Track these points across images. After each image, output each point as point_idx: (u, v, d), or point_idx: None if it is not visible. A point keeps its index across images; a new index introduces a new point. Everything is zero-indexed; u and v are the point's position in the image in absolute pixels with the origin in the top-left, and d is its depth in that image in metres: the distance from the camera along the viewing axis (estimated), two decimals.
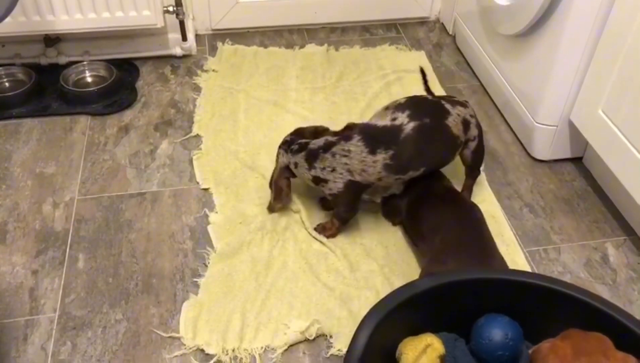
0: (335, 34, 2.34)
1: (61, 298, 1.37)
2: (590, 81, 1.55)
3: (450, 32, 2.35)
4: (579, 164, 1.78)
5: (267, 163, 1.71)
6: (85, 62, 2.02)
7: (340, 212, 1.51)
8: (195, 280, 1.41)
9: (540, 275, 1.16)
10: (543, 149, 1.74)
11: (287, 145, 1.51)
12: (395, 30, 2.38)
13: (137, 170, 1.71)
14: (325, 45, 2.24)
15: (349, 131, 1.47)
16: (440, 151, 1.46)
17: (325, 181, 1.44)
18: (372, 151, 1.39)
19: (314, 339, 1.30)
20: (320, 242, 1.51)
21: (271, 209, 1.58)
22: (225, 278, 1.42)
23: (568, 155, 1.77)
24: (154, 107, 1.94)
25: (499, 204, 1.63)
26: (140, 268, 1.44)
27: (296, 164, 1.49)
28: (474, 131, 1.51)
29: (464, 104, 1.52)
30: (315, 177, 1.46)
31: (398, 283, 1.39)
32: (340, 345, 1.28)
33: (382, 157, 1.39)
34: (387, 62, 2.16)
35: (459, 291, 1.14)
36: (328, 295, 1.39)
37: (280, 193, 1.54)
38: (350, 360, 1.02)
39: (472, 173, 1.60)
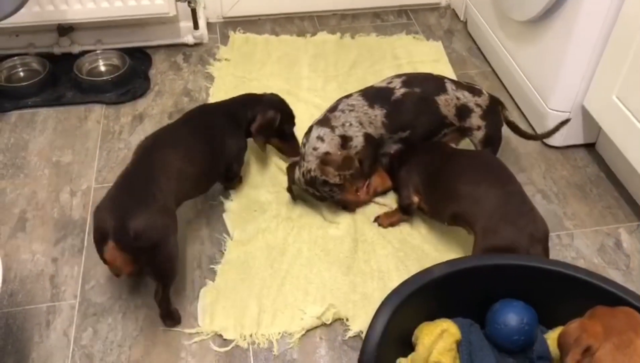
0: (346, 20, 2.34)
1: (81, 285, 1.39)
2: (605, 67, 1.55)
3: (462, 18, 2.34)
4: (592, 150, 1.78)
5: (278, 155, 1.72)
6: (98, 51, 2.03)
7: (365, 167, 1.55)
8: (212, 266, 1.43)
9: (554, 260, 1.17)
10: (556, 135, 1.74)
11: (297, 161, 1.53)
12: (406, 17, 2.38)
13: None
14: (338, 33, 2.23)
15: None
16: (423, 121, 1.53)
17: (351, 138, 1.50)
18: (371, 105, 1.51)
19: (331, 324, 1.32)
20: (336, 227, 1.53)
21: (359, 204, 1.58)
22: (241, 265, 1.44)
23: (581, 141, 1.77)
24: (168, 95, 1.95)
25: None
26: None
27: (320, 138, 1.48)
28: (476, 121, 1.53)
29: (476, 92, 1.54)
30: (342, 137, 1.49)
31: (413, 266, 1.41)
32: (356, 327, 1.31)
33: (380, 112, 1.51)
34: (403, 52, 2.16)
35: (474, 277, 1.16)
36: (342, 280, 1.41)
37: (357, 173, 1.50)
38: (368, 346, 1.04)
39: None
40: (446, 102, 1.52)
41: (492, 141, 1.58)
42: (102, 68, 2.02)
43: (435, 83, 1.55)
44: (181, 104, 1.92)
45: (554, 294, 1.16)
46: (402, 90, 1.53)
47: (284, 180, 1.60)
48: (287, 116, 1.64)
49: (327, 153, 1.47)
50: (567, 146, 1.78)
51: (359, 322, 1.31)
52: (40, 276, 1.41)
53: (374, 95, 1.54)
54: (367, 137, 1.51)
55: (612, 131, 1.55)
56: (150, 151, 1.35)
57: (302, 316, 1.33)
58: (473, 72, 2.08)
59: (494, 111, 1.57)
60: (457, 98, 1.53)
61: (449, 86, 1.54)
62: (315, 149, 1.48)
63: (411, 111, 1.53)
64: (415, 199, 1.49)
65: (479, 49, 2.19)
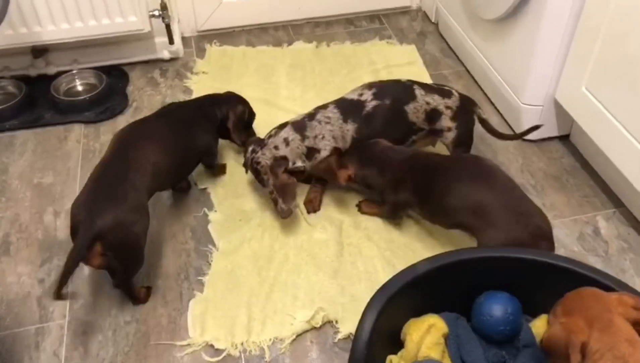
0: (320, 28, 2.37)
1: (69, 305, 1.40)
2: (573, 60, 1.59)
3: (433, 20, 2.38)
4: (566, 142, 1.82)
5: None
6: (74, 71, 2.04)
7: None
8: (199, 278, 1.44)
9: (534, 250, 1.20)
10: None
11: (257, 144, 1.56)
12: (379, 21, 2.41)
13: None
14: (314, 42, 2.26)
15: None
16: (391, 132, 1.56)
17: (319, 151, 1.53)
18: (345, 120, 1.54)
19: (320, 327, 1.34)
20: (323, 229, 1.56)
21: (288, 213, 1.50)
22: (229, 275, 1.45)
23: (555, 133, 1.81)
24: (146, 111, 1.96)
25: None
26: (145, 271, 1.46)
27: (286, 141, 1.52)
28: (446, 123, 1.57)
29: (445, 94, 1.57)
30: (309, 149, 1.53)
31: (399, 265, 1.43)
32: (346, 329, 1.32)
33: (351, 127, 1.54)
34: (378, 57, 2.19)
35: (458, 271, 1.18)
36: (330, 283, 1.42)
37: (286, 190, 1.49)
38: (357, 346, 1.06)
39: None
40: (415, 110, 1.55)
41: (464, 141, 1.61)
42: (80, 88, 2.03)
43: (405, 91, 1.57)
44: None
45: (536, 283, 1.18)
46: (373, 103, 1.55)
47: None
48: (250, 108, 1.73)
49: (283, 158, 1.51)
50: (543, 138, 1.81)
51: (349, 324, 1.33)
52: (27, 299, 1.41)
53: (347, 109, 1.55)
54: (335, 152, 1.54)
55: (584, 122, 1.59)
56: (126, 145, 1.39)
57: (292, 322, 1.34)
58: (447, 72, 2.12)
59: (465, 110, 1.59)
60: (427, 103, 1.55)
61: (418, 93, 1.56)
62: (276, 148, 1.52)
63: (380, 124, 1.55)
64: (399, 215, 1.55)
65: (451, 49, 2.23)
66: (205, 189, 1.68)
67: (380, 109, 1.54)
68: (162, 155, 1.40)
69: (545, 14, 1.57)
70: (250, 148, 1.57)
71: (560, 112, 1.74)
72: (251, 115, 1.75)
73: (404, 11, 2.47)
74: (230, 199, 1.65)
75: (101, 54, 2.10)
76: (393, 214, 1.55)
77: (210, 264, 1.48)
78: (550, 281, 1.17)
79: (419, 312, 1.20)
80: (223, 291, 1.42)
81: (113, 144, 1.41)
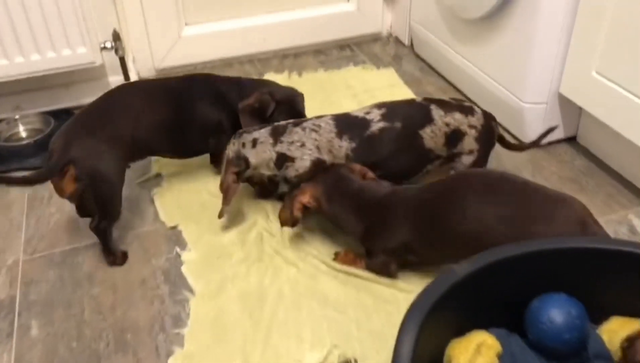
0: (288, 60, 2.20)
1: None
2: (577, 46, 1.45)
3: (406, 43, 2.25)
4: (574, 144, 1.66)
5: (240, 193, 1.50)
6: (17, 117, 1.79)
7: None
8: (177, 331, 1.17)
9: (594, 237, 0.99)
10: (535, 130, 1.60)
11: (239, 133, 1.38)
12: (350, 50, 2.27)
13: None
14: (286, 71, 2.09)
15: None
16: (401, 160, 1.33)
17: (292, 159, 1.32)
18: (339, 135, 1.32)
19: None
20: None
21: (220, 214, 1.36)
22: (213, 323, 1.19)
23: (561, 136, 1.65)
24: None
25: None
26: (110, 325, 1.19)
27: (254, 142, 1.33)
28: (469, 145, 1.34)
29: (468, 111, 1.35)
30: (280, 155, 1.32)
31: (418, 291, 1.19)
32: None
33: (345, 145, 1.32)
34: (356, 82, 2.02)
35: (503, 272, 0.95)
36: (341, 317, 1.17)
37: (228, 192, 1.34)
38: None
39: None
40: (432, 134, 1.31)
41: (481, 162, 1.37)
42: (24, 134, 1.78)
43: (420, 113, 1.33)
44: None
45: (598, 279, 0.97)
46: (380, 124, 1.31)
47: (244, 218, 1.41)
48: (289, 111, 1.47)
49: (244, 159, 1.33)
50: (549, 142, 1.64)
51: None
52: None
53: (345, 123, 1.33)
54: (317, 163, 1.31)
55: (598, 110, 1.44)
56: (120, 91, 1.43)
57: None
58: (431, 89, 1.96)
59: (489, 130, 1.36)
60: (447, 125, 1.32)
61: (436, 114, 1.32)
62: (243, 145, 1.34)
63: (387, 149, 1.32)
64: (394, 266, 1.23)
65: (430, 67, 2.09)
66: (175, 227, 1.43)
67: (389, 133, 1.31)
68: (153, 111, 1.39)
69: (541, 1, 1.44)
70: (234, 136, 1.38)
71: (566, 110, 1.58)
72: (284, 118, 1.44)
73: (375, 38, 2.33)
74: (206, 236, 1.40)
75: (48, 98, 1.87)
76: (385, 268, 1.24)
77: (188, 312, 1.21)
78: (617, 275, 0.95)
79: (460, 330, 0.96)
80: (209, 343, 1.14)
81: (107, 91, 1.44)
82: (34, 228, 1.45)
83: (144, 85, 1.52)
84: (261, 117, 1.45)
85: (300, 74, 2.09)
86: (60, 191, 1.27)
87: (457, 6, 1.76)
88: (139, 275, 1.30)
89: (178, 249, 1.36)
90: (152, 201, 1.52)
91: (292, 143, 1.32)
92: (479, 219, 1.09)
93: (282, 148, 1.32)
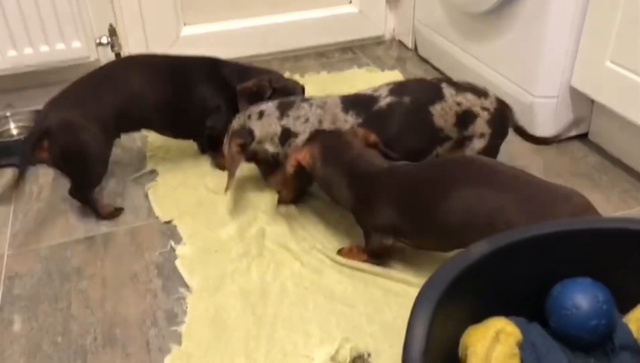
0: (289, 62, 2.16)
1: None
2: (590, 34, 1.40)
3: (410, 46, 2.21)
4: (586, 140, 1.60)
5: (239, 187, 1.44)
6: (8, 114, 1.73)
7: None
8: (174, 328, 1.09)
9: (621, 217, 0.92)
10: (545, 125, 1.55)
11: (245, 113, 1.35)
12: (352, 53, 2.23)
13: (82, 213, 1.40)
14: (287, 72, 2.04)
15: None
16: (410, 138, 1.27)
17: (296, 135, 1.28)
18: (345, 110, 1.29)
19: None
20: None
21: (226, 188, 1.31)
22: (212, 320, 1.10)
23: (572, 133, 1.59)
24: None
25: None
26: (98, 319, 1.11)
27: (260, 114, 1.31)
28: (481, 127, 1.27)
29: (481, 93, 1.29)
30: (284, 130, 1.29)
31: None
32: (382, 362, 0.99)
33: (352, 120, 1.28)
34: (361, 83, 1.92)
35: (523, 254, 0.88)
36: (350, 311, 1.10)
37: (232, 163, 1.30)
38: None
39: None
40: (443, 112, 1.26)
41: (491, 153, 1.29)
42: (14, 131, 1.71)
43: (430, 90, 1.28)
44: (113, 155, 1.60)
45: (625, 264, 0.89)
46: (388, 99, 1.27)
47: (243, 213, 1.35)
48: (291, 90, 1.45)
49: (249, 131, 1.30)
50: (560, 140, 1.59)
51: (385, 357, 1.00)
52: None
53: (353, 100, 1.30)
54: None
55: (613, 101, 1.38)
56: (114, 63, 1.47)
57: None
58: None
59: (503, 115, 1.30)
60: (458, 104, 1.26)
61: (447, 91, 1.27)
62: (249, 117, 1.31)
63: (395, 126, 1.26)
64: (390, 241, 1.15)
65: (435, 68, 2.04)
66: (170, 221, 1.36)
67: (397, 108, 1.26)
68: (150, 88, 1.37)
69: None
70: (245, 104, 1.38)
71: (577, 104, 1.53)
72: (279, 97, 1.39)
73: (378, 42, 2.29)
74: (203, 231, 1.33)
75: (40, 97, 1.78)
76: (383, 248, 1.16)
77: (184, 308, 1.13)
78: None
79: (476, 318, 0.88)
80: (209, 340, 1.06)
81: (109, 61, 1.49)
82: (22, 222, 1.38)
83: (146, 60, 1.48)
84: (257, 100, 1.39)
85: (302, 76, 2.04)
86: (38, 159, 1.30)
87: (463, 1, 1.72)
88: (130, 269, 1.23)
89: (172, 243, 1.29)
90: (146, 197, 1.45)
91: (297, 117, 1.29)
92: (468, 211, 1.01)
93: (287, 122, 1.29)
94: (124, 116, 1.35)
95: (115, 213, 1.37)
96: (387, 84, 1.32)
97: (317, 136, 1.22)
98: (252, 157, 1.34)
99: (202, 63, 1.48)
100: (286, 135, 1.29)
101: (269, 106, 1.31)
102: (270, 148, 1.31)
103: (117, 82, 1.35)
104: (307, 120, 1.28)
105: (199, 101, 1.42)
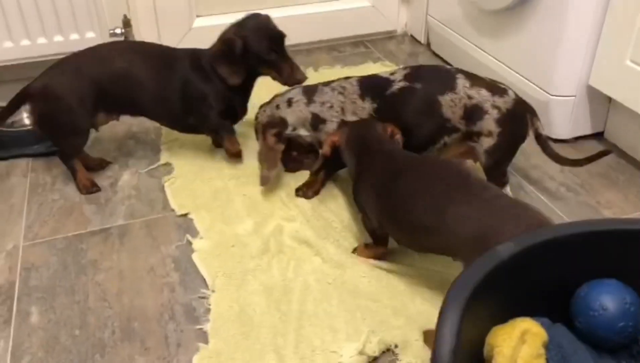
0: (301, 55, 2.14)
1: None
2: (610, 32, 1.39)
3: (423, 41, 2.20)
4: (602, 139, 1.60)
5: (255, 183, 1.43)
6: None
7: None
8: (193, 324, 1.08)
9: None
10: (562, 124, 1.55)
11: (268, 101, 1.41)
12: (364, 47, 2.21)
13: (97, 205, 1.39)
14: (301, 66, 2.00)
15: None
16: (420, 125, 1.28)
17: (324, 121, 1.33)
18: (362, 96, 1.32)
19: (375, 359, 1.00)
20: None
21: (266, 180, 1.35)
22: (238, 316, 1.10)
23: (588, 131, 1.59)
24: (108, 141, 1.64)
25: (532, 187, 1.42)
26: (116, 313, 1.11)
27: (289, 101, 1.37)
28: (488, 125, 1.25)
29: (497, 91, 1.26)
30: (314, 116, 1.34)
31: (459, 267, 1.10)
32: (408, 357, 0.99)
33: (368, 106, 1.32)
34: None
35: (551, 255, 0.87)
36: (375, 306, 1.10)
37: (272, 155, 1.35)
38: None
39: (488, 180, 1.25)
40: (452, 103, 1.25)
41: (501, 154, 1.27)
42: (26, 121, 1.70)
43: (444, 79, 1.28)
44: (126, 148, 1.61)
45: None
46: (401, 84, 1.29)
47: (260, 208, 1.33)
48: (262, 37, 1.37)
49: (281, 120, 1.35)
50: (576, 137, 1.58)
51: (413, 350, 1.00)
52: None
53: (369, 85, 1.33)
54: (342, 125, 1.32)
55: (630, 101, 1.37)
56: (110, 44, 1.47)
57: (340, 359, 1.00)
58: None
59: (518, 117, 1.26)
60: (469, 97, 1.24)
61: (461, 83, 1.26)
62: (277, 107, 1.36)
63: (408, 110, 1.28)
64: (376, 225, 1.14)
65: (448, 64, 2.02)
66: (186, 215, 1.35)
67: (408, 93, 1.27)
68: (129, 67, 1.38)
69: None
70: (261, 107, 1.41)
71: (594, 103, 1.52)
72: (261, 45, 1.37)
73: (390, 36, 2.28)
74: (220, 225, 1.32)
75: None
76: (374, 233, 1.18)
77: (204, 304, 1.12)
78: None
79: (501, 317, 0.88)
80: (237, 338, 1.05)
81: (107, 42, 1.51)
82: (36, 213, 1.37)
83: (135, 45, 1.53)
84: (235, 58, 1.37)
85: (316, 70, 2.02)
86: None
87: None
88: (146, 263, 1.22)
89: (189, 236, 1.28)
90: (161, 190, 1.44)
91: (323, 103, 1.34)
92: (439, 216, 0.99)
93: (315, 108, 1.34)
94: (105, 93, 1.37)
95: (91, 189, 1.43)
96: (404, 68, 1.34)
97: (352, 124, 1.28)
98: (286, 145, 1.38)
99: (186, 54, 1.47)
100: (316, 120, 1.34)
101: (295, 93, 1.37)
102: (303, 132, 1.37)
103: (103, 60, 1.38)
104: (331, 106, 1.33)
105: (181, 90, 1.41)
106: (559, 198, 1.38)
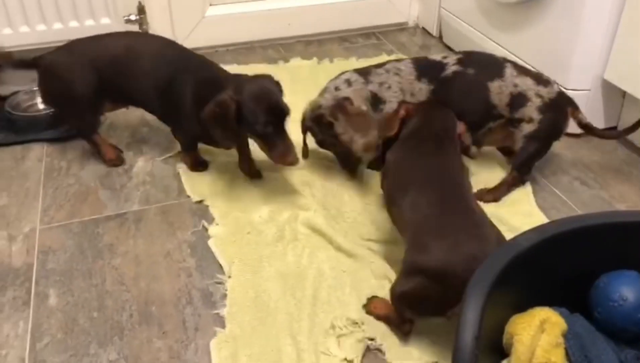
0: (312, 46, 2.15)
1: (30, 345, 1.02)
2: (627, 27, 1.39)
3: (434, 34, 2.20)
4: None
5: (269, 171, 1.43)
6: (34, 88, 1.72)
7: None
8: (211, 308, 1.09)
9: None
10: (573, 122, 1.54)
11: (314, 100, 1.38)
12: (375, 38, 2.21)
13: (112, 191, 1.40)
14: (315, 58, 2.02)
15: None
16: (471, 109, 1.31)
17: (384, 101, 1.34)
18: (418, 78, 1.35)
19: None
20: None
21: (369, 147, 1.27)
22: (254, 302, 1.11)
23: (602, 125, 1.59)
24: (123, 127, 1.65)
25: (546, 181, 1.42)
26: (133, 296, 1.12)
27: (348, 82, 1.36)
28: (530, 112, 1.30)
29: (542, 81, 1.31)
30: (373, 95, 1.34)
31: None
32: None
33: (425, 87, 1.34)
34: None
35: (568, 245, 0.88)
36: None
37: (360, 119, 1.29)
38: (461, 355, 0.74)
39: (515, 167, 1.35)
40: (499, 90, 1.30)
41: (537, 142, 1.31)
42: (40, 106, 1.70)
43: (493, 66, 1.33)
44: (140, 134, 1.62)
45: None
46: (454, 68, 1.33)
47: (276, 197, 1.34)
48: (259, 107, 1.20)
49: (346, 99, 1.31)
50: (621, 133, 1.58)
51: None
52: None
53: (424, 67, 1.36)
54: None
55: None
56: (125, 34, 1.51)
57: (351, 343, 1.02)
58: None
59: (559, 109, 1.31)
60: (515, 85, 1.30)
61: (509, 71, 1.31)
62: (337, 88, 1.34)
63: (459, 94, 1.32)
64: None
65: None
66: (201, 201, 1.36)
67: (460, 78, 1.32)
68: (133, 60, 1.38)
69: None
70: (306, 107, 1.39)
71: (609, 98, 1.53)
72: (256, 117, 1.20)
73: (401, 28, 2.28)
74: (235, 213, 1.32)
75: None
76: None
77: (220, 289, 1.13)
78: None
79: (520, 306, 0.88)
80: (253, 323, 1.07)
81: (122, 32, 1.54)
82: (51, 197, 1.38)
83: (147, 39, 1.51)
84: (228, 123, 1.21)
85: (332, 61, 2.02)
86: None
87: None
88: (163, 248, 1.23)
89: (205, 222, 1.29)
90: (176, 177, 1.45)
91: (381, 83, 1.35)
92: (415, 209, 1.02)
93: (373, 87, 1.35)
94: (109, 81, 1.38)
95: (116, 161, 1.48)
96: (456, 53, 1.39)
97: (422, 103, 1.30)
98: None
99: (196, 65, 1.37)
100: (375, 100, 1.34)
101: (350, 75, 1.37)
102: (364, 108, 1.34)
103: (107, 47, 1.40)
104: (389, 87, 1.34)
105: (168, 89, 1.35)
106: (571, 191, 1.39)
